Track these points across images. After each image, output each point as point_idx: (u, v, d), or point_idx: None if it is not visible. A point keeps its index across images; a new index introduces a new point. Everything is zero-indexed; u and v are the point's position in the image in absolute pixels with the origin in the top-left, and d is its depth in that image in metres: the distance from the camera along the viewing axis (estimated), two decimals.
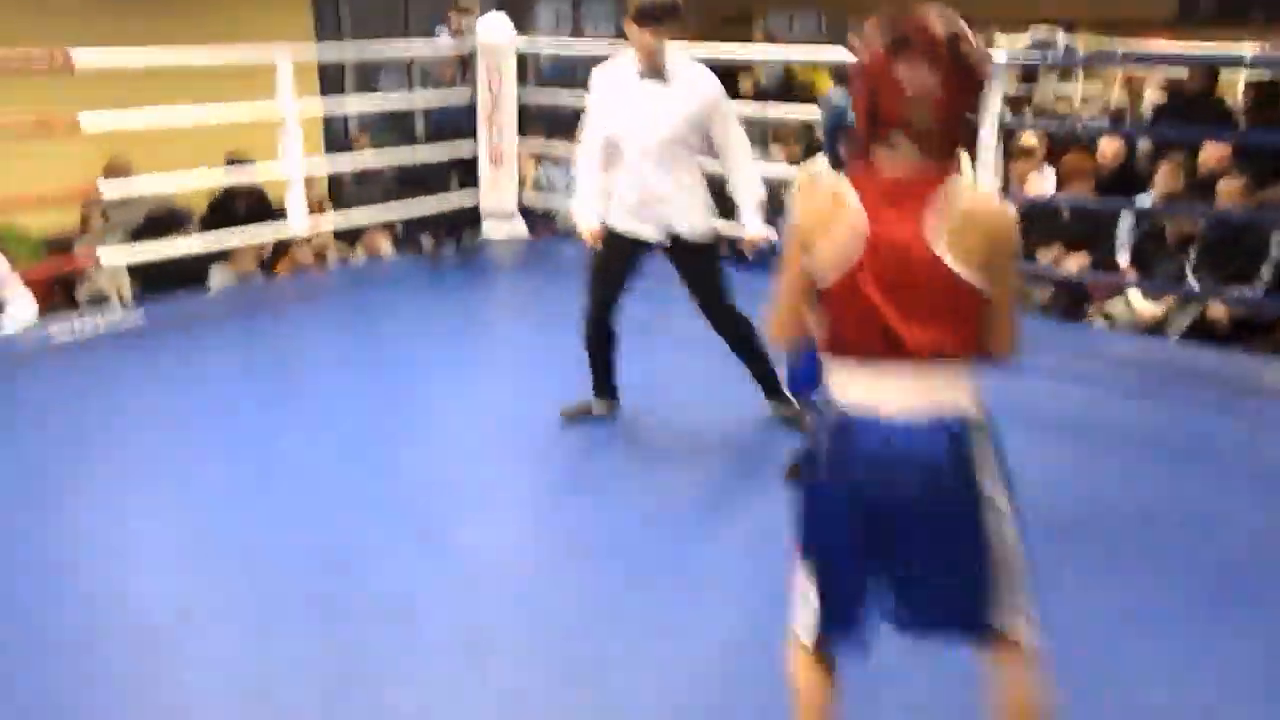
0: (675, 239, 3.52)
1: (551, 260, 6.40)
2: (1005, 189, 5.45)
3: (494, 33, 6.28)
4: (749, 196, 3.55)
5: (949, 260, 1.59)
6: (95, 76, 5.14)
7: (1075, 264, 5.41)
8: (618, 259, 3.61)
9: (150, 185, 6.21)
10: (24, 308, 5.31)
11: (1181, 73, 8.29)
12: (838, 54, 5.46)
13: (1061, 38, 10.68)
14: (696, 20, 10.73)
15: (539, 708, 2.36)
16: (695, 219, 3.53)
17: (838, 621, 1.79)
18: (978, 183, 4.87)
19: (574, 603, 2.73)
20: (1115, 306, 5.44)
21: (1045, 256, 5.59)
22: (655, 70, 3.36)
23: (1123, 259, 5.72)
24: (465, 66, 6.38)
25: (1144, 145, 7.45)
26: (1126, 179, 6.33)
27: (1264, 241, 5.04)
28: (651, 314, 4.27)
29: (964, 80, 1.59)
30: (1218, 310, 5.03)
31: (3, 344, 4.97)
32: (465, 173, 6.58)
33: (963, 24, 1.60)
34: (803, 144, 7.23)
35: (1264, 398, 4.31)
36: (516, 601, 2.75)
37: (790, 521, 1.83)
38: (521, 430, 3.85)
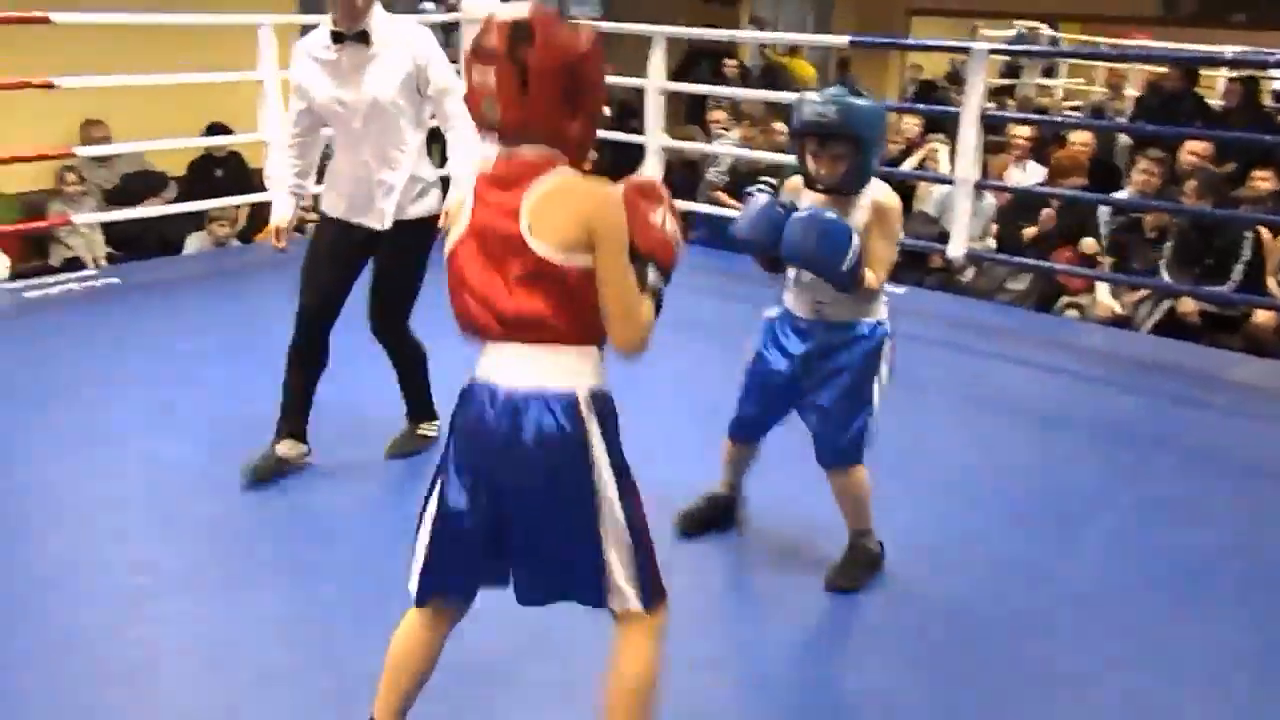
0: (386, 229, 3.07)
1: None
2: (983, 180, 5.47)
3: (479, 5, 6.24)
4: (464, 163, 3.08)
5: (531, 240, 1.66)
6: (80, 39, 5.11)
7: (1063, 257, 5.44)
8: (335, 250, 3.12)
9: (126, 149, 6.18)
10: None
11: (1161, 70, 8.36)
12: (822, 40, 5.45)
13: (1045, 32, 10.75)
14: (684, 2, 10.73)
15: None
16: (417, 202, 3.09)
17: (438, 577, 1.83)
18: (954, 171, 4.90)
19: None
20: (1086, 299, 5.50)
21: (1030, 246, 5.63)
22: (360, 34, 2.92)
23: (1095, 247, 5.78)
24: (448, 39, 6.35)
25: (1123, 140, 7.54)
26: (1104, 173, 6.39)
27: (1237, 239, 5.11)
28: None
29: (522, 78, 1.63)
30: (1188, 305, 5.10)
31: None
32: (444, 143, 6.53)
33: (541, 21, 1.64)
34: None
35: (1232, 393, 4.38)
36: None
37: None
38: None
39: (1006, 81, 11.31)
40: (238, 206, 6.36)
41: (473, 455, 1.76)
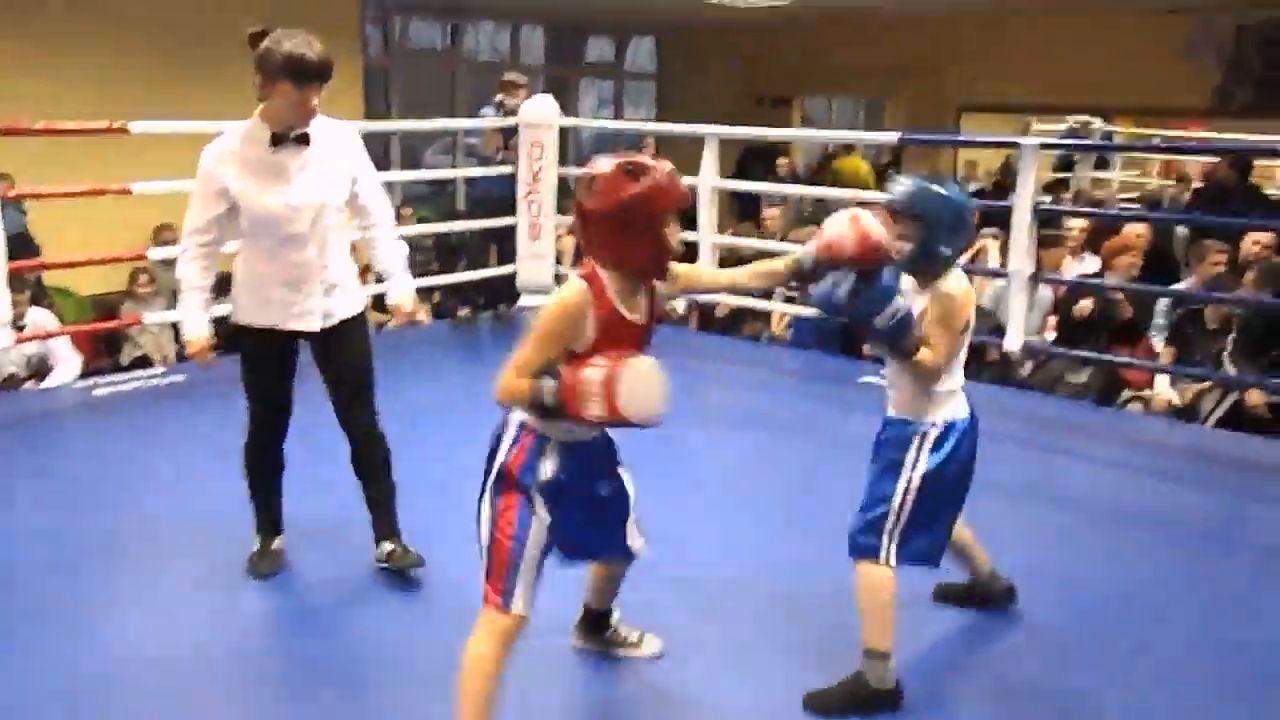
0: (329, 327, 3.03)
1: None
2: (1038, 274, 5.44)
3: (537, 112, 6.44)
4: (399, 257, 3.14)
5: None
6: (154, 148, 5.33)
7: (1125, 352, 5.37)
8: (268, 357, 3.06)
9: None
10: (69, 364, 5.46)
11: (1212, 161, 8.31)
12: (873, 137, 5.52)
13: (1098, 125, 10.78)
14: (733, 100, 10.99)
15: None
16: (354, 296, 3.09)
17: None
18: (1006, 266, 4.88)
19: None
20: (1149, 393, 5.41)
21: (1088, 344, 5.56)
22: (301, 135, 2.86)
23: (1158, 343, 5.69)
24: (508, 143, 6.54)
25: (1181, 231, 7.48)
26: (1161, 264, 6.33)
27: None
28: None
29: (579, 219, 2.16)
30: (1256, 397, 4.98)
31: (45, 396, 5.09)
32: (504, 247, 6.70)
33: (599, 171, 2.11)
34: None
35: None
36: None
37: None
38: None
39: (1061, 175, 11.33)
40: None
41: None
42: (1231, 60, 8.84)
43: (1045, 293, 5.87)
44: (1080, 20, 9.33)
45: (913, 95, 10.84)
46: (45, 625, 2.89)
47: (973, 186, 10.45)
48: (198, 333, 3.07)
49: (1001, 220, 6.15)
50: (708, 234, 6.02)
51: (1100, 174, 11.56)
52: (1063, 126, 10.82)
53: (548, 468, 2.18)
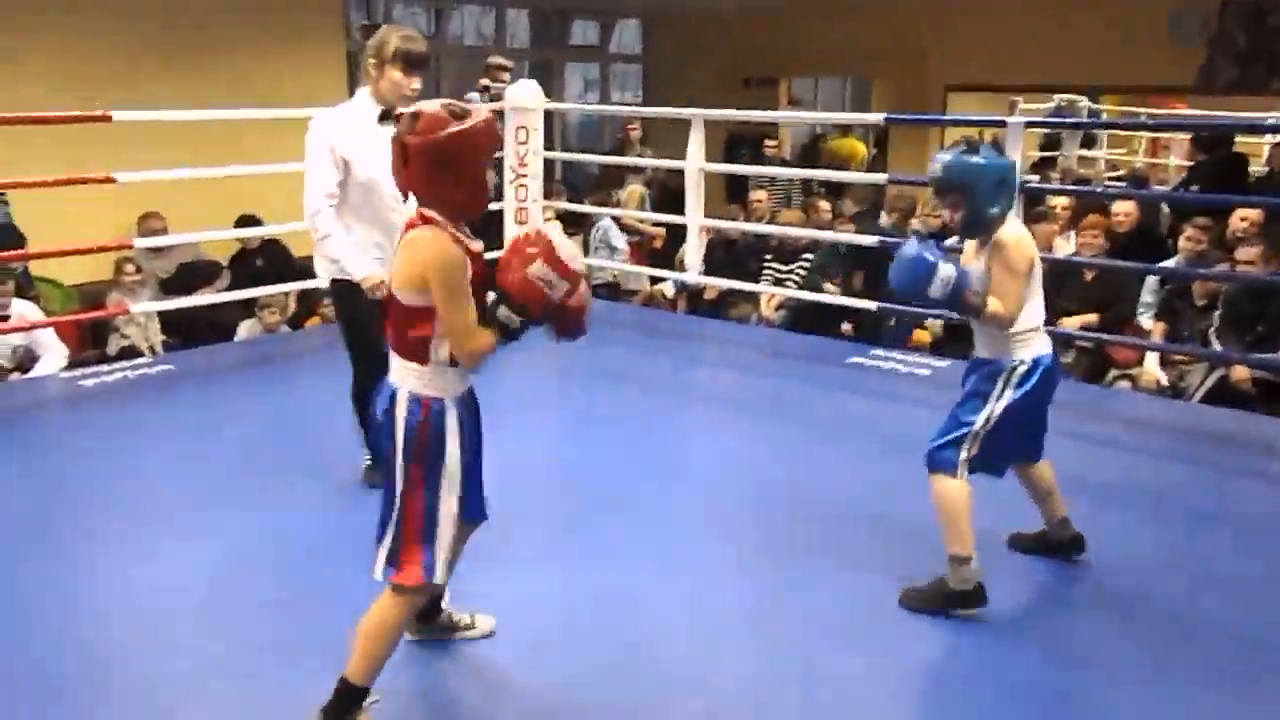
0: None
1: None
2: None
3: (523, 96, 6.41)
4: None
5: (393, 283, 2.21)
6: (142, 135, 5.31)
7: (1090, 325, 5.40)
8: (374, 307, 3.30)
9: (182, 239, 6.37)
10: (54, 355, 5.43)
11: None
12: (858, 118, 5.51)
13: (1084, 104, 10.79)
14: (720, 82, 10.95)
15: None
16: None
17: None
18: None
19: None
20: (1137, 370, 5.43)
21: (1069, 321, 5.59)
22: (399, 115, 3.25)
23: (1146, 321, 5.72)
24: None
25: (1167, 208, 7.50)
26: (1148, 242, 6.35)
27: None
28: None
29: (398, 152, 2.18)
30: (1241, 373, 5.01)
31: (31, 387, 5.07)
32: (490, 231, 6.68)
33: (424, 111, 2.16)
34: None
35: None
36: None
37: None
38: (517, 486, 3.86)
39: (1048, 154, 11.35)
40: (287, 294, 6.51)
41: None
42: (1216, 37, 8.85)
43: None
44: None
45: (900, 75, 10.82)
46: (29, 625, 2.88)
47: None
48: (368, 270, 3.39)
49: None
50: (695, 216, 6.01)
51: (1087, 153, 11.58)
52: (1050, 105, 10.83)
53: (453, 424, 2.25)
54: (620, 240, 7.77)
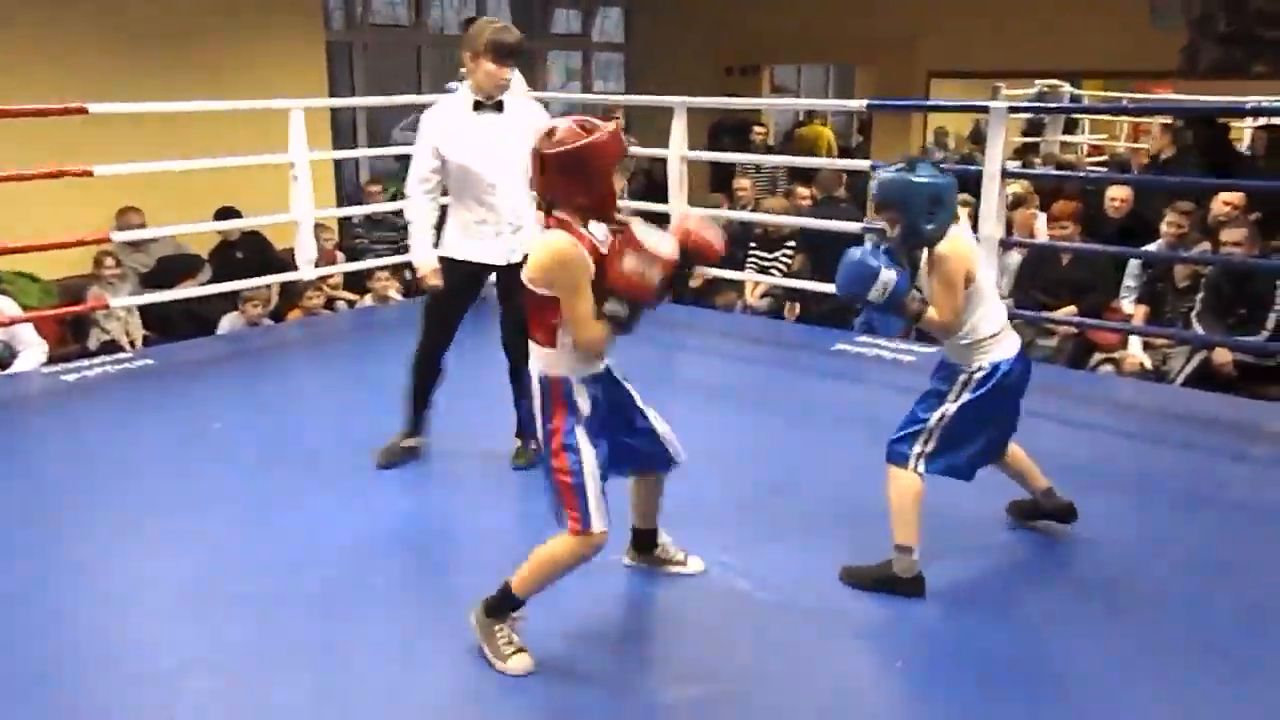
0: (513, 262, 3.55)
1: None
2: (1008, 238, 5.45)
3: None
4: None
5: (524, 275, 2.49)
6: (119, 129, 5.25)
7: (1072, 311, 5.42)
8: (462, 288, 3.71)
9: (161, 233, 6.31)
10: (34, 351, 5.38)
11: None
12: (841, 104, 5.50)
13: (1067, 90, 10.81)
14: (703, 70, 10.92)
15: None
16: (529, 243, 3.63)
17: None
18: (968, 229, 4.90)
19: None
20: (1120, 354, 5.45)
21: (1054, 306, 5.60)
22: (497, 104, 3.57)
23: (1128, 305, 5.74)
24: None
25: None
26: (1133, 226, 6.37)
27: (1270, 287, 5.05)
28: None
29: (536, 163, 2.45)
30: (1223, 355, 5.04)
31: (11, 383, 5.02)
32: None
33: (558, 125, 2.45)
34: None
35: (1270, 444, 4.29)
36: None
37: None
38: (522, 474, 3.85)
39: (1030, 140, 11.37)
40: (269, 286, 6.47)
41: None
42: (1198, 20, 8.87)
43: (1014, 256, 5.89)
44: None
45: (882, 62, 10.81)
46: (12, 623, 2.86)
47: (938, 155, 10.50)
48: (425, 258, 3.68)
49: (972, 188, 6.18)
50: (678, 204, 5.99)
51: (1069, 138, 11.61)
52: (1032, 91, 10.84)
53: (584, 403, 2.53)
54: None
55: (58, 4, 7.05)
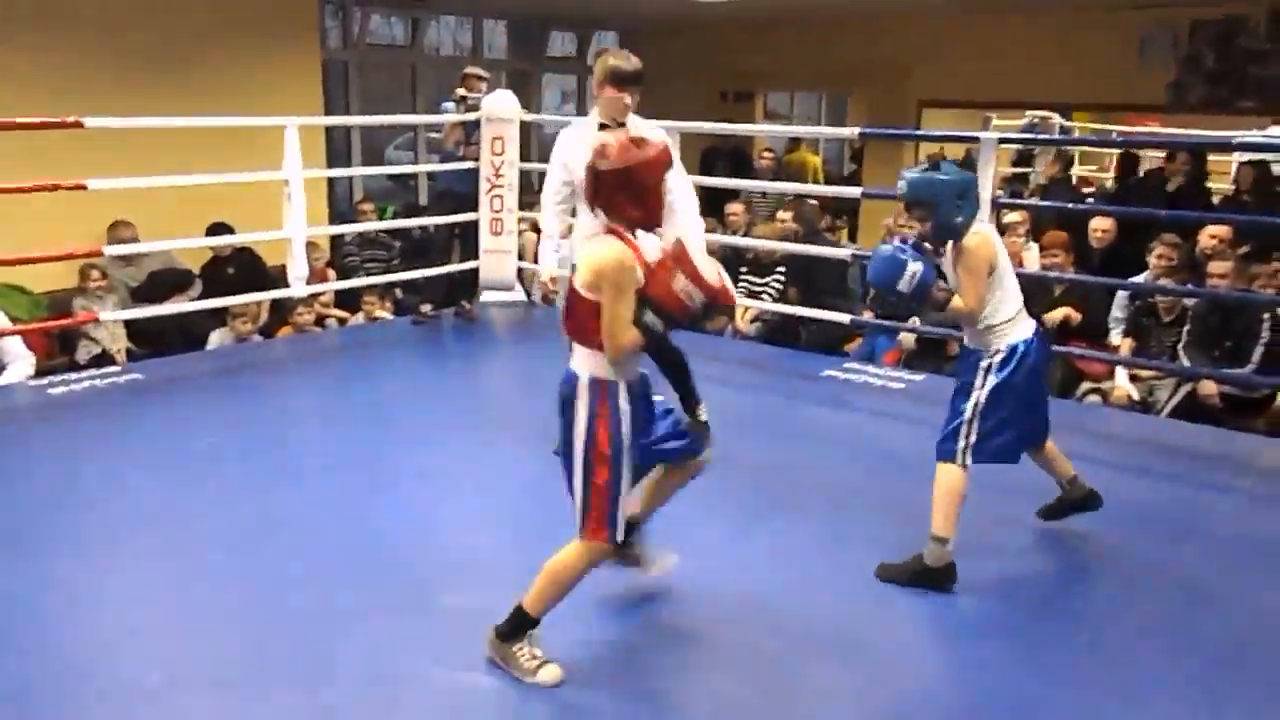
0: None
1: (549, 327, 6.44)
2: None
3: (499, 106, 6.41)
4: (697, 241, 3.98)
5: (577, 281, 2.57)
6: (113, 143, 5.23)
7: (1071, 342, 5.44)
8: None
9: (151, 248, 6.31)
10: (21, 363, 5.36)
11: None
12: (834, 132, 5.54)
13: (1057, 121, 10.91)
14: (697, 95, 10.99)
15: None
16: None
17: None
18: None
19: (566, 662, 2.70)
20: (1108, 384, 5.47)
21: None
22: (619, 125, 3.74)
23: (1115, 337, 5.77)
24: (470, 138, 6.50)
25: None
26: (1120, 258, 6.40)
27: (1255, 321, 5.09)
28: None
29: (590, 179, 2.59)
30: (1209, 388, 5.06)
31: None
32: (467, 243, 6.67)
33: (609, 143, 2.58)
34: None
35: (1256, 476, 4.31)
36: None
37: None
38: (504, 493, 3.84)
39: (1020, 170, 11.44)
40: (259, 303, 6.46)
41: None
42: (1186, 57, 8.99)
43: None
44: (1038, 18, 9.44)
45: (875, 90, 10.90)
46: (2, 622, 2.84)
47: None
48: (547, 266, 4.05)
49: None
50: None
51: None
52: (1022, 121, 10.93)
53: (627, 405, 2.57)
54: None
55: (56, 22, 7.06)
